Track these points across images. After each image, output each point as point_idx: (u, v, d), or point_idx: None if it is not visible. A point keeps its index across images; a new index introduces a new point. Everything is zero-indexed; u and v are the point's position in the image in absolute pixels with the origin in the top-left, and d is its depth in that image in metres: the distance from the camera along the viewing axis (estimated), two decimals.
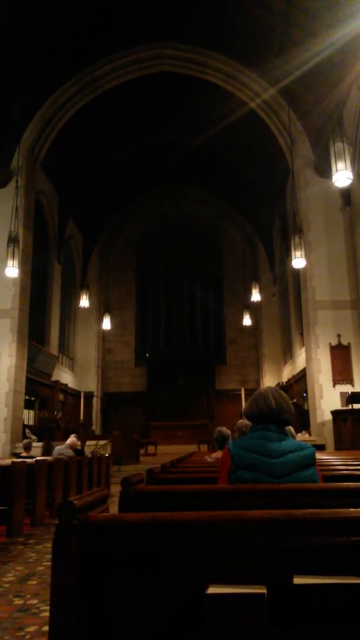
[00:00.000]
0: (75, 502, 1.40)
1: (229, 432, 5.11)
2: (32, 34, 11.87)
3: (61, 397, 18.14)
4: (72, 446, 9.27)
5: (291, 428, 4.87)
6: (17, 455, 9.67)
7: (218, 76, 14.47)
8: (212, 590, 1.30)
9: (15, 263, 11.96)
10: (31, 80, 13.13)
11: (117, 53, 14.35)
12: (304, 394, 14.72)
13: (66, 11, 11.81)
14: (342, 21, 9.51)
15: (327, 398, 12.49)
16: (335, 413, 11.82)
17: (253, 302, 19.76)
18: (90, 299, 19.15)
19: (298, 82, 12.45)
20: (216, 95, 14.80)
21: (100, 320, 21.18)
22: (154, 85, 15.19)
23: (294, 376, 17.36)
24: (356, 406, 11.53)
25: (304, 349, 14.32)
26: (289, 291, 18.54)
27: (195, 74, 14.66)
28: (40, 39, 12.11)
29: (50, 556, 2.00)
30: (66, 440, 9.66)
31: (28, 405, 15.43)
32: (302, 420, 13.47)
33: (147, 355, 22.33)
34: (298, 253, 11.41)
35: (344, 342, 12.86)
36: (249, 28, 12.62)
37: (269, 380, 20.68)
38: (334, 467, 3.68)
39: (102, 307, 21.56)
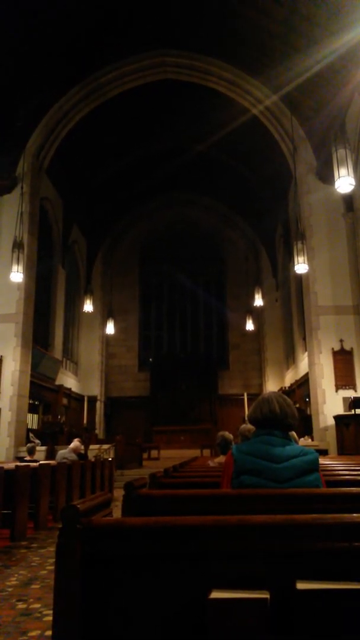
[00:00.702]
0: (78, 506, 1.39)
1: (231, 436, 5.10)
2: (36, 42, 11.96)
3: (65, 401, 18.14)
4: (75, 450, 9.27)
5: (294, 433, 4.87)
6: (21, 459, 9.67)
7: (221, 83, 14.54)
8: (215, 595, 1.29)
9: (20, 268, 12.02)
10: (36, 88, 13.23)
11: (121, 61, 14.44)
12: (307, 399, 14.69)
13: (70, 19, 11.91)
14: (344, 28, 9.56)
15: (330, 403, 12.47)
16: (338, 418, 11.79)
17: (256, 307, 19.76)
18: (94, 304, 19.18)
19: (300, 88, 12.50)
20: (219, 102, 14.86)
21: (104, 324, 21.22)
22: (157, 92, 15.27)
23: (296, 381, 17.33)
24: (359, 411, 11.49)
25: (306, 354, 14.31)
26: (292, 296, 18.55)
27: (198, 81, 14.74)
28: (45, 46, 12.20)
29: (53, 560, 2.00)
30: (70, 444, 9.66)
31: (32, 409, 15.43)
32: (305, 425, 13.44)
33: (150, 359, 22.34)
34: (300, 258, 11.42)
35: (347, 347, 12.84)
36: (251, 35, 12.68)
37: (271, 385, 20.65)
38: (337, 472, 3.67)
39: (105, 311, 21.60)
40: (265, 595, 1.28)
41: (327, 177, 12.52)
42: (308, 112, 13.31)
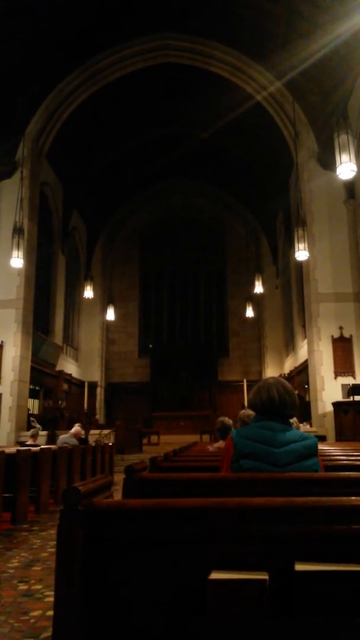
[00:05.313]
0: (80, 487, 1.39)
1: (230, 422, 5.13)
2: (37, 26, 11.77)
3: (65, 386, 18.21)
4: (76, 435, 9.33)
5: (296, 419, 4.90)
6: (22, 444, 9.75)
7: (223, 68, 14.35)
8: (214, 576, 1.30)
9: (20, 254, 11.99)
10: (36, 72, 13.06)
11: (122, 44, 14.22)
12: (306, 386, 14.75)
13: (71, 3, 11.71)
14: (349, 13, 9.42)
15: (329, 390, 12.53)
16: (336, 405, 11.86)
17: (256, 294, 19.74)
18: (94, 290, 19.15)
19: (303, 74, 12.34)
20: (222, 88, 14.67)
21: (104, 311, 21.22)
22: (159, 76, 15.07)
23: (295, 368, 17.37)
24: (357, 398, 11.57)
25: (306, 341, 14.33)
26: (292, 283, 18.51)
27: (201, 65, 14.53)
28: (45, 30, 12.01)
29: (54, 542, 2.03)
30: (70, 429, 9.72)
31: (33, 394, 15.50)
32: (304, 411, 13.51)
33: (151, 346, 22.37)
34: (301, 245, 11.38)
35: (346, 334, 12.86)
36: (254, 19, 12.49)
37: (271, 372, 20.69)
38: (335, 457, 3.70)
39: (106, 298, 21.58)
40: (264, 576, 1.29)
41: (328, 163, 12.42)
42: (311, 98, 13.17)
